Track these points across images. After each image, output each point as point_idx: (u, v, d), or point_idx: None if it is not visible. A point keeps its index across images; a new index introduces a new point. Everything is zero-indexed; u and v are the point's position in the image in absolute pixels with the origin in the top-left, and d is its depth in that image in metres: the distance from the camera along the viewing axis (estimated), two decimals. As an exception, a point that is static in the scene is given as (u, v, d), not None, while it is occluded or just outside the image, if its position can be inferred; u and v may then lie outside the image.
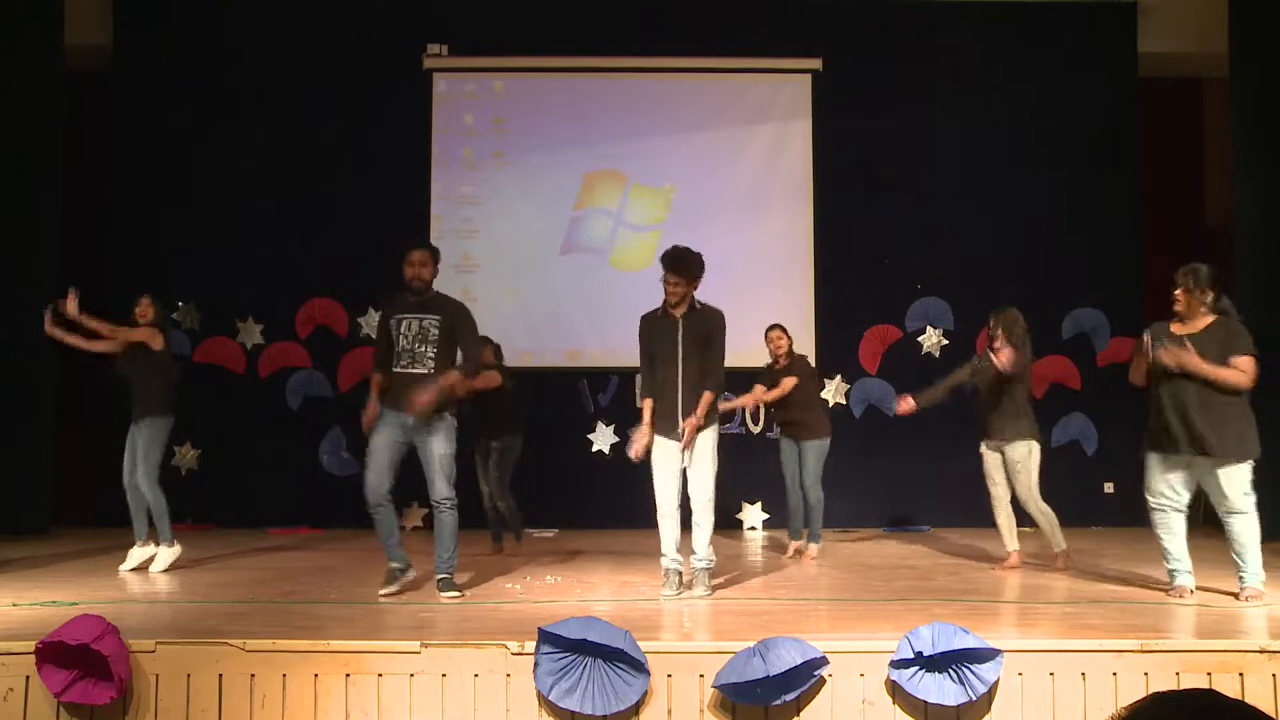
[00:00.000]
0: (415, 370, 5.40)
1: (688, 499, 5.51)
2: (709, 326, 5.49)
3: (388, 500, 5.44)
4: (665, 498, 5.49)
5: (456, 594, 5.40)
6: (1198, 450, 5.04)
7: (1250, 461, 5.07)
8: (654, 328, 5.56)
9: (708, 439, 5.47)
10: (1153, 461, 5.24)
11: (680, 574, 5.54)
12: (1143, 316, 9.47)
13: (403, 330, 5.45)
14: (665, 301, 5.55)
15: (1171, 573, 5.27)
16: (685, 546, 5.53)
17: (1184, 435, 5.06)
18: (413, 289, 5.48)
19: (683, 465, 5.47)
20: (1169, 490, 5.20)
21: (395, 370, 5.45)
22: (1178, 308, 5.23)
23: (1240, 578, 5.14)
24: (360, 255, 9.13)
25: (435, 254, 5.57)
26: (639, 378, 5.80)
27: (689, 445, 5.39)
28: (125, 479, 6.40)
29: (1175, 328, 5.24)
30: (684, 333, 5.47)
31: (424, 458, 5.46)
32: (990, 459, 6.47)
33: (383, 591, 5.38)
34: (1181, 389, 5.08)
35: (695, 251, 5.49)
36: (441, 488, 5.43)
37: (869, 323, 9.44)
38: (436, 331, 5.44)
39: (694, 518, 5.48)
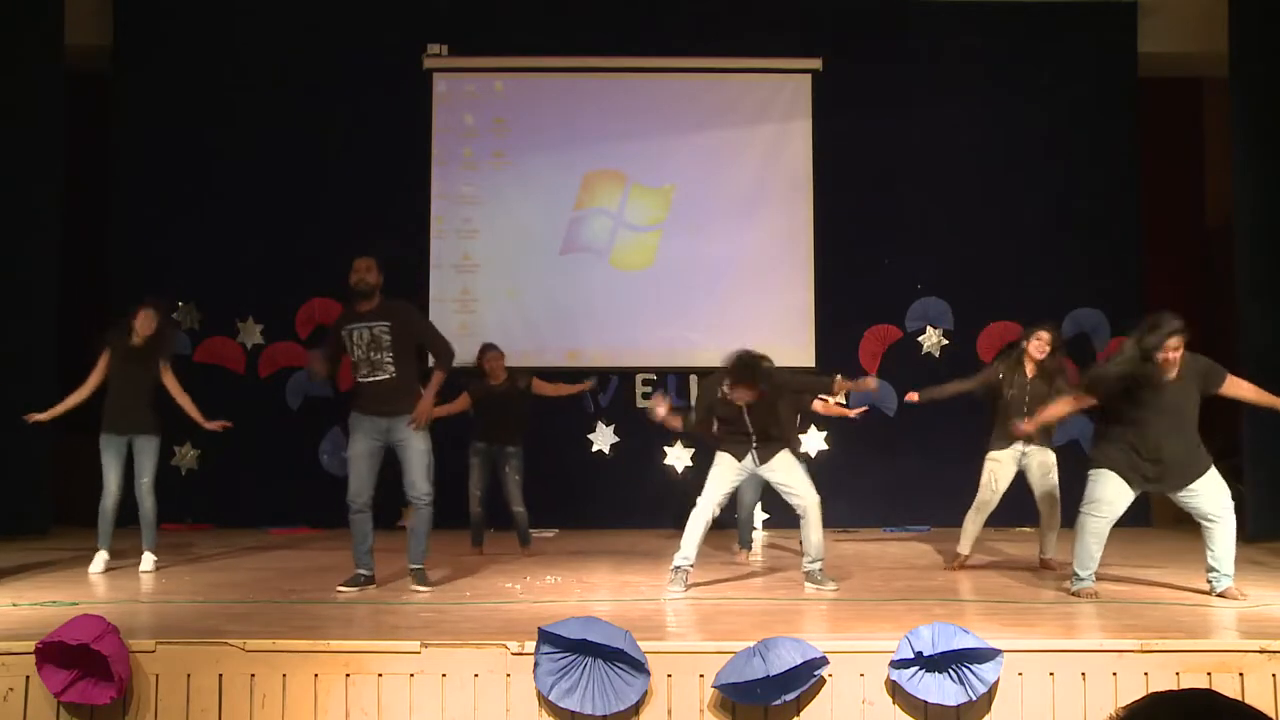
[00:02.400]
0: (378, 377, 5.55)
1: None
2: (778, 398, 5.73)
3: (368, 507, 5.59)
4: (709, 506, 5.66)
5: (429, 587, 5.56)
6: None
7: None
8: (719, 402, 5.68)
9: (786, 457, 5.73)
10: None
11: (688, 575, 5.63)
12: (1143, 316, 9.47)
13: (355, 340, 5.57)
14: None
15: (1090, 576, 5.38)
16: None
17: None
18: (360, 291, 5.58)
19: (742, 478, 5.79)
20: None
21: (359, 380, 5.59)
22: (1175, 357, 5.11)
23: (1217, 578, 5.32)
24: (360, 255, 9.11)
25: (381, 263, 5.70)
26: (689, 422, 5.94)
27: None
28: (115, 493, 6.43)
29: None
30: (751, 416, 5.65)
31: (404, 457, 5.56)
32: (1009, 467, 6.43)
33: (341, 587, 5.49)
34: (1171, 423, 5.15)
35: (759, 357, 5.57)
36: (423, 484, 5.56)
37: (869, 323, 9.43)
38: (389, 337, 5.56)
39: (806, 521, 5.65)
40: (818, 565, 5.68)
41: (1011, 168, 9.40)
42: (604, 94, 9.64)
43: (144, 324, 6.47)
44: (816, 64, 9.55)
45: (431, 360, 5.70)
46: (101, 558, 6.38)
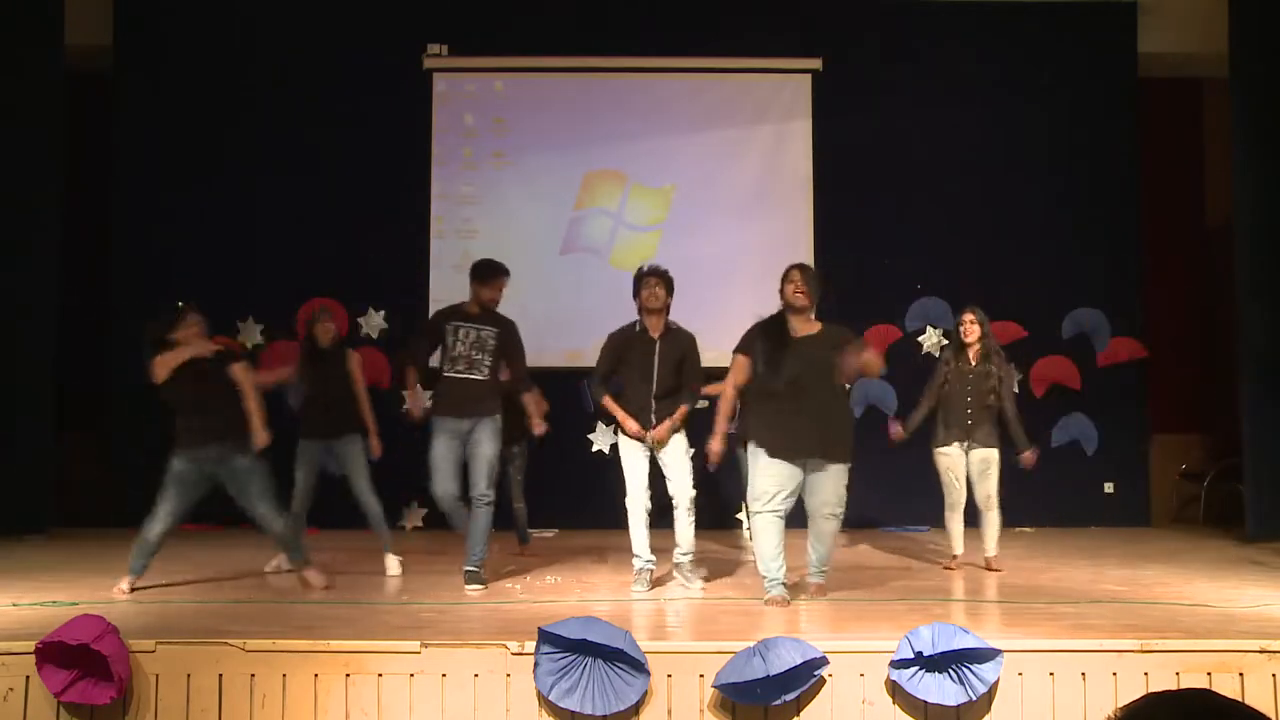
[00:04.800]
0: (472, 376, 5.80)
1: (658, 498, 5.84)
2: (684, 351, 5.81)
3: (460, 502, 5.80)
4: (637, 500, 5.75)
5: (480, 587, 5.66)
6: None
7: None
8: (629, 343, 5.83)
9: (681, 442, 5.77)
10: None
11: (651, 572, 5.74)
12: (1143, 316, 9.50)
13: (460, 337, 5.81)
14: (640, 318, 5.84)
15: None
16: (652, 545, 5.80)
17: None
18: (486, 307, 5.87)
19: (648, 459, 5.78)
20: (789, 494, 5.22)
21: (448, 375, 5.81)
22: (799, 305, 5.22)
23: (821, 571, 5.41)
24: (360, 255, 9.13)
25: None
26: (592, 382, 6.04)
27: (661, 442, 5.73)
28: (307, 498, 6.38)
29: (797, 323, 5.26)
30: (660, 354, 5.77)
31: (472, 457, 5.79)
32: (958, 461, 6.44)
33: (469, 588, 5.65)
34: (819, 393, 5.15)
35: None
36: (484, 486, 5.75)
37: (869, 323, 9.43)
38: (494, 343, 5.81)
39: (677, 514, 5.74)
40: (688, 558, 5.78)
41: (1011, 168, 9.40)
42: (604, 94, 9.64)
43: (327, 327, 6.54)
44: (816, 64, 9.55)
45: (508, 374, 5.97)
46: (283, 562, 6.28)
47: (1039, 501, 9.06)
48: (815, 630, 4.60)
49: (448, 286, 9.37)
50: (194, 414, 5.48)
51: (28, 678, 3.94)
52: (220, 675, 3.98)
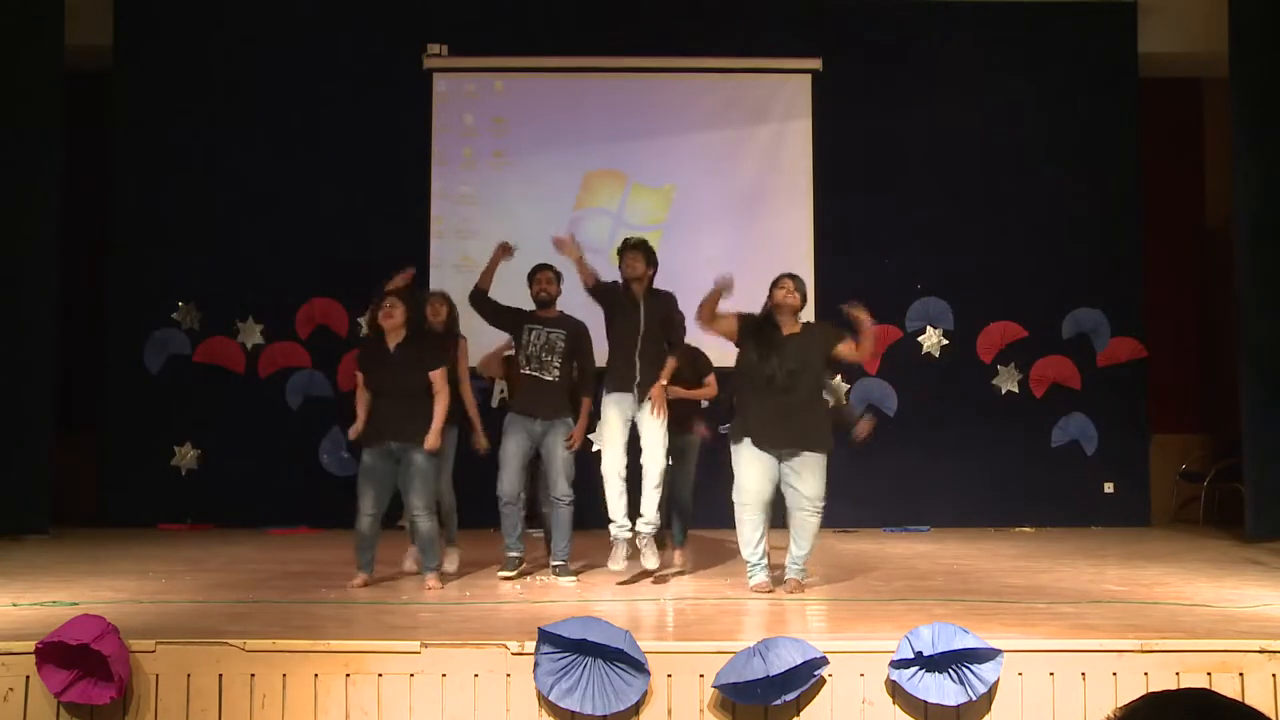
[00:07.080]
0: (543, 377, 6.00)
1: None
2: (668, 308, 5.98)
3: (519, 499, 5.97)
4: (614, 457, 5.81)
5: (573, 580, 5.91)
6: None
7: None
8: (615, 296, 5.97)
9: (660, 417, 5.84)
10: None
11: (629, 543, 5.79)
12: (1143, 316, 9.50)
13: (532, 338, 6.01)
14: (625, 279, 5.98)
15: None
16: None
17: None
18: (540, 302, 6.07)
19: (631, 423, 5.86)
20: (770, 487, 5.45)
21: (524, 372, 6.04)
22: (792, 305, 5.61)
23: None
24: (360, 255, 9.11)
25: (559, 275, 6.16)
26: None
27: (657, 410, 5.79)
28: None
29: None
30: (645, 313, 5.91)
31: (549, 459, 6.01)
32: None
33: (502, 574, 5.93)
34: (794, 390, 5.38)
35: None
36: (562, 486, 5.96)
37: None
38: (563, 345, 6.02)
39: (645, 484, 5.78)
40: (650, 529, 5.81)
41: (1011, 167, 9.40)
42: (604, 94, 9.64)
43: (438, 309, 6.47)
44: (816, 64, 9.54)
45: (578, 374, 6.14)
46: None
47: (1039, 501, 9.08)
48: (815, 630, 4.60)
49: (448, 286, 9.36)
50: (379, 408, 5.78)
51: (28, 678, 3.94)
52: (220, 675, 3.98)
